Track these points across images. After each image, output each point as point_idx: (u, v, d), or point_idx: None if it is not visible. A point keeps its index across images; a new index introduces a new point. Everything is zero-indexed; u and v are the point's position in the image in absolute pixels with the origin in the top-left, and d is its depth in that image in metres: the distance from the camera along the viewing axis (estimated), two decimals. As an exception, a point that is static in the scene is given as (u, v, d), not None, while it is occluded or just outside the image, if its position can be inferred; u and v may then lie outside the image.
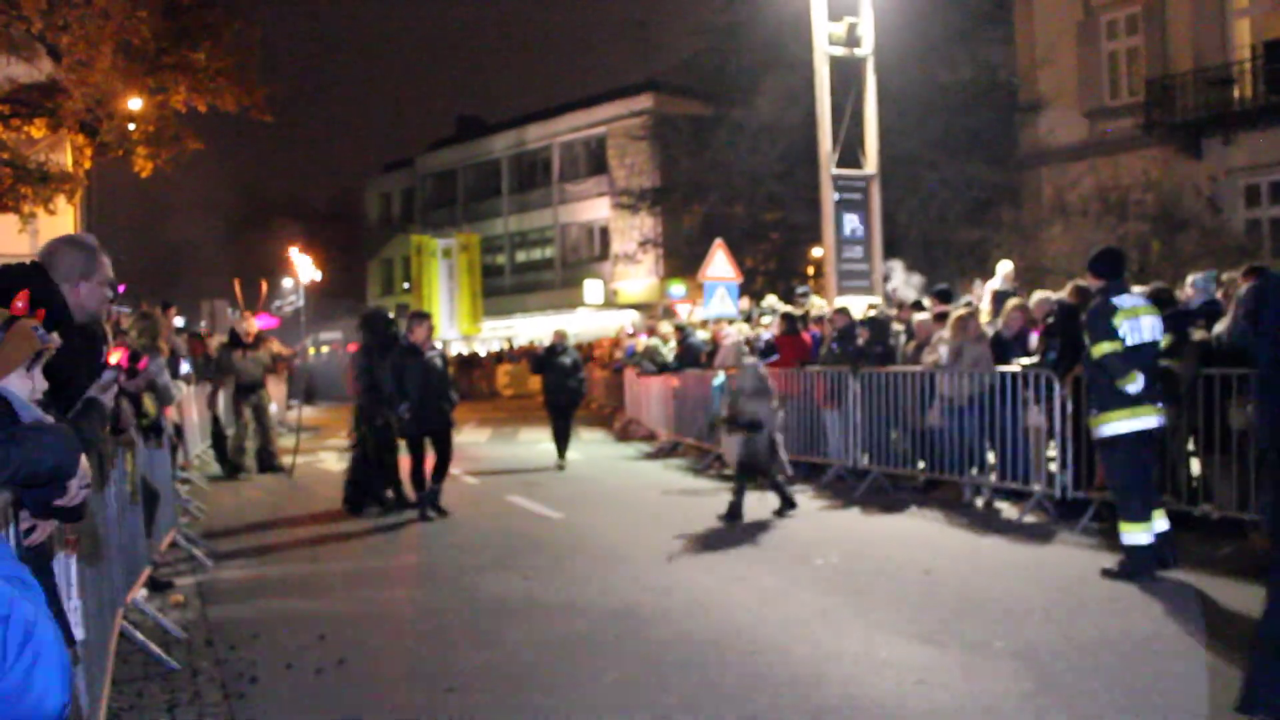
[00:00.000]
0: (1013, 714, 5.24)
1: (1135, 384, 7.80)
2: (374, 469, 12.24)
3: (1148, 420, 7.95)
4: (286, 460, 15.80)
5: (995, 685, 5.61)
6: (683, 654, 6.34)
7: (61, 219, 17.01)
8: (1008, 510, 10.77)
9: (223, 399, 15.82)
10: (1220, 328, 9.16)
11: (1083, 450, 9.86)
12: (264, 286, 19.68)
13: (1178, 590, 7.58)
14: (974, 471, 11.30)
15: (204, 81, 16.78)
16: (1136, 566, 7.89)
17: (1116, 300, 7.94)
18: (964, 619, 6.92)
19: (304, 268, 17.05)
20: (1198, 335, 9.21)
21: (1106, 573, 8.03)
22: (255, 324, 16.24)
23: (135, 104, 17.00)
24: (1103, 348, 7.86)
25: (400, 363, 11.65)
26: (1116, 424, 7.95)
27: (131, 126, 17.12)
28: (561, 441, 16.40)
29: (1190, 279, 10.90)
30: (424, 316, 12.35)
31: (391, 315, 14.01)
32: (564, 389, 16.42)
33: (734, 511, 10.81)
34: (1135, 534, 7.93)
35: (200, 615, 7.60)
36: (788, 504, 11.23)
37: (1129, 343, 7.84)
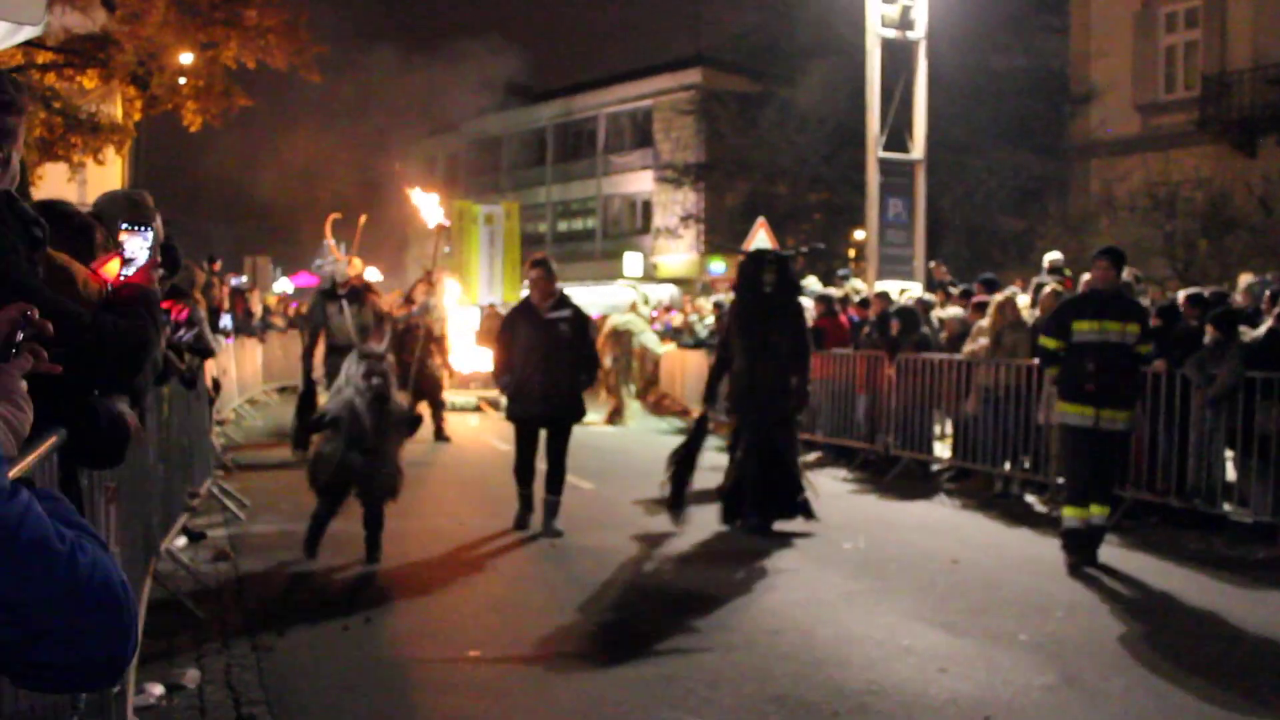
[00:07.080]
0: (1034, 707, 5.24)
1: None
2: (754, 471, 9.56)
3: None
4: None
5: (1017, 677, 5.60)
6: (706, 631, 6.37)
7: (110, 169, 17.15)
8: (1038, 504, 10.71)
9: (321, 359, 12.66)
10: (1260, 330, 9.07)
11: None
12: (362, 222, 14.31)
13: (1205, 592, 7.53)
14: (1006, 465, 11.24)
15: (254, 38, 16.81)
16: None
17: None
18: (989, 610, 6.91)
19: (429, 209, 14.45)
20: (1247, 337, 9.11)
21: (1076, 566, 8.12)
22: (352, 269, 12.67)
23: (186, 58, 17.07)
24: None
25: (509, 328, 9.34)
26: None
27: (182, 80, 17.20)
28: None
29: (1244, 283, 10.76)
30: (536, 265, 9.30)
31: (784, 255, 10.60)
32: None
33: (309, 545, 7.74)
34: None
35: (231, 568, 7.69)
36: (371, 551, 7.78)
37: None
